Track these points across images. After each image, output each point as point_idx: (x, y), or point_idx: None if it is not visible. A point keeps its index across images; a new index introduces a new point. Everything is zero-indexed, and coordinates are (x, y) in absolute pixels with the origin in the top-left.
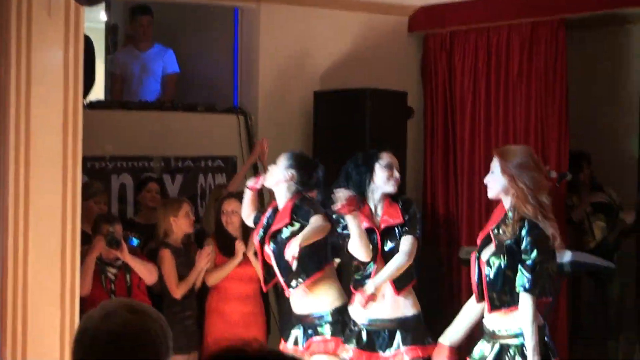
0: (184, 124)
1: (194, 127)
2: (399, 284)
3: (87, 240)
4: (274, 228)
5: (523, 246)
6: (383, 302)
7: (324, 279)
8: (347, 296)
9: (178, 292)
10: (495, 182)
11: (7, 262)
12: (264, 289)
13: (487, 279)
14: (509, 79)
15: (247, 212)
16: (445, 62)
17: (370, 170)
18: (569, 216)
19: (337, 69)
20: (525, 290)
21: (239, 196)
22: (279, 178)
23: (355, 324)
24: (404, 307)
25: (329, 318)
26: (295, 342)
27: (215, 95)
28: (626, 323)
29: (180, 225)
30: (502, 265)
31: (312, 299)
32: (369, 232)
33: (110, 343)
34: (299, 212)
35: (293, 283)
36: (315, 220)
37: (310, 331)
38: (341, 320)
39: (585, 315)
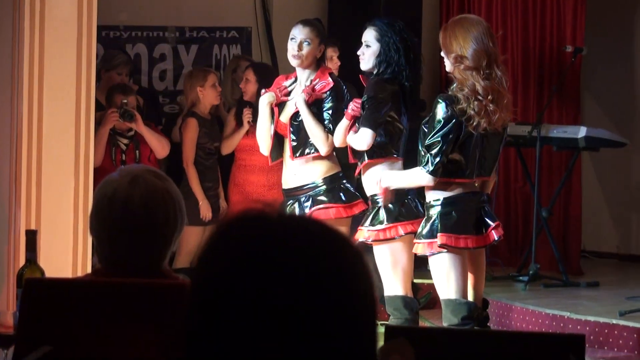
0: None
1: None
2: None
3: (101, 111)
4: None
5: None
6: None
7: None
8: None
9: (189, 167)
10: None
11: (21, 130)
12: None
13: None
14: None
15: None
16: None
17: None
18: None
19: None
20: (424, 168)
21: (256, 66)
22: (314, 56)
23: None
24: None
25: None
26: None
27: None
28: None
29: (207, 95)
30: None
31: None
32: None
33: (142, 207)
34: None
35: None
36: None
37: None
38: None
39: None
